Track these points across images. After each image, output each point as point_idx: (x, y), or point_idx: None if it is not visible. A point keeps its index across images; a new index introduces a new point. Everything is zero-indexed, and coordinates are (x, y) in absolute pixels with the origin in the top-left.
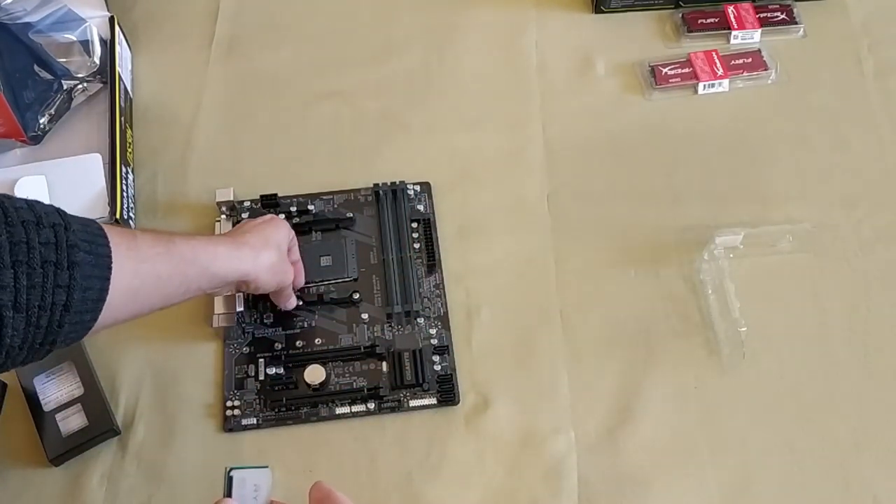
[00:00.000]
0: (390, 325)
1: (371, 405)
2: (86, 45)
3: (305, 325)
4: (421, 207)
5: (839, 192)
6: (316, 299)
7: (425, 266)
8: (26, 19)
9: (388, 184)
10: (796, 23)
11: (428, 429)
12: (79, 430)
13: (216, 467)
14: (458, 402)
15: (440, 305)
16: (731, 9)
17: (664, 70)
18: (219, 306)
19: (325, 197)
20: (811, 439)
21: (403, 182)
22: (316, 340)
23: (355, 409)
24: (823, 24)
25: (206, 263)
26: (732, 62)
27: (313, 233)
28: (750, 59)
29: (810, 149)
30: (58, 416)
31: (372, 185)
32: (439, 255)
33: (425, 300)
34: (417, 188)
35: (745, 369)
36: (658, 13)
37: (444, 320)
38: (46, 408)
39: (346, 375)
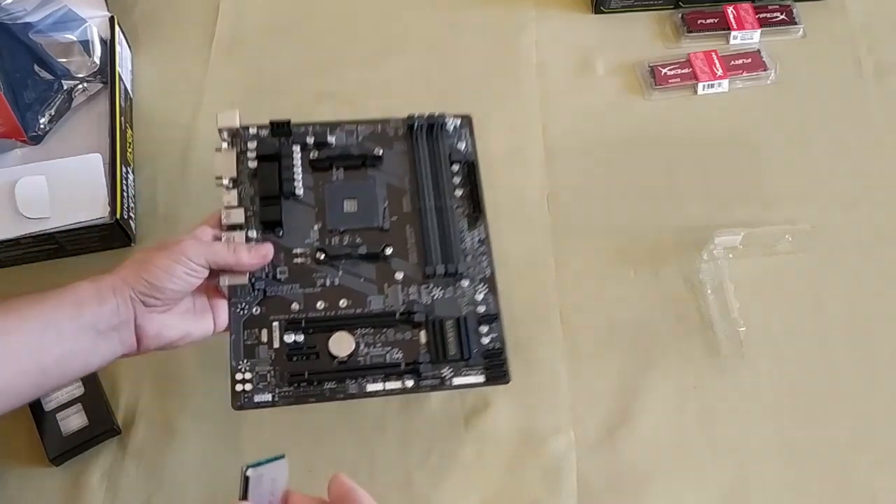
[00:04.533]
0: (428, 288)
1: (409, 382)
2: (86, 45)
3: (327, 284)
4: (462, 146)
5: (838, 193)
6: (340, 252)
7: (467, 217)
8: (26, 19)
9: (425, 115)
10: (796, 23)
11: (428, 429)
12: (79, 429)
13: (216, 467)
14: (509, 380)
15: (486, 265)
16: (730, 9)
17: (664, 70)
18: None
19: (347, 127)
20: (810, 439)
21: (443, 115)
22: (340, 302)
23: (389, 385)
24: (823, 25)
25: (59, 293)
26: (732, 62)
27: (334, 170)
28: (749, 60)
29: (809, 149)
30: (58, 416)
31: (405, 117)
32: (484, 206)
33: (468, 258)
34: (458, 122)
35: (744, 369)
36: (658, 13)
37: (491, 283)
38: (47, 407)
39: (378, 346)
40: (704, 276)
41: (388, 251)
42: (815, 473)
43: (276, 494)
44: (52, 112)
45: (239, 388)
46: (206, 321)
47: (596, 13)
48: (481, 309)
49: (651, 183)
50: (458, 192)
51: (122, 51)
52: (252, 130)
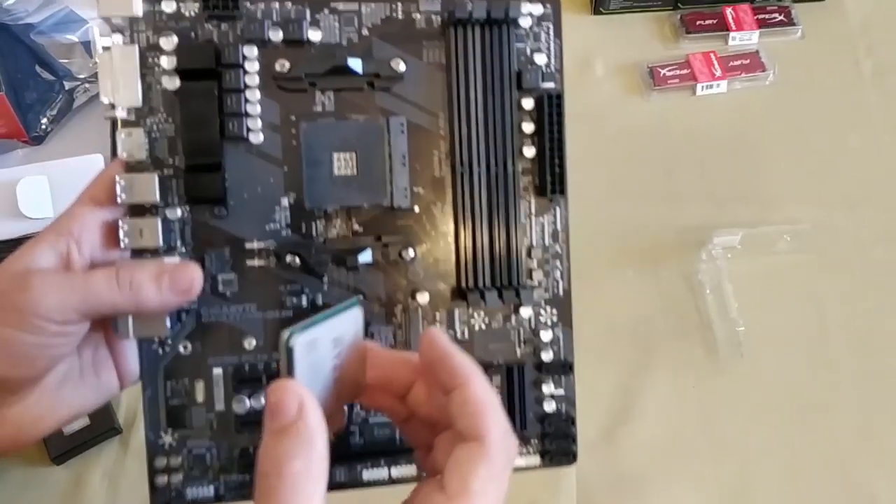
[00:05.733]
0: (466, 313)
1: None
2: (87, 45)
3: (304, 304)
4: (541, 60)
5: (837, 193)
6: (326, 253)
7: (536, 192)
8: (28, 20)
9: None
10: (794, 24)
11: None
12: (81, 428)
13: None
14: (576, 459)
15: (559, 276)
16: (729, 10)
17: (662, 71)
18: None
19: (343, 7)
20: (810, 439)
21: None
22: None
23: (397, 472)
24: (821, 26)
25: None
26: (731, 63)
27: (318, 93)
28: (748, 61)
29: (808, 150)
30: None
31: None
32: (566, 175)
33: (534, 264)
34: (538, 10)
35: (743, 369)
36: (657, 14)
37: (563, 308)
38: None
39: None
40: (703, 276)
41: (410, 253)
42: (815, 473)
43: (344, 355)
44: (54, 113)
45: (161, 479)
46: (105, 380)
47: (595, 14)
48: (547, 355)
49: (650, 183)
50: (528, 150)
51: None
52: (168, 7)
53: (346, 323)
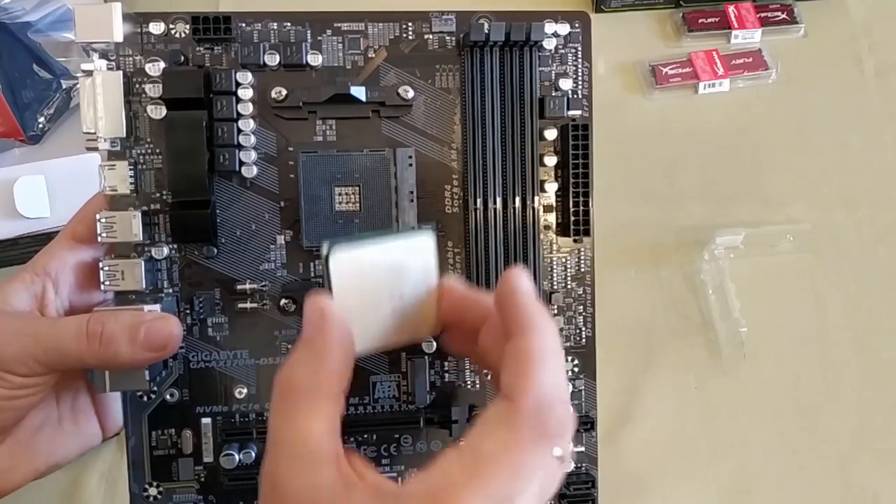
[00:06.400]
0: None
1: None
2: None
3: None
4: (567, 85)
5: (840, 193)
6: (324, 292)
7: (556, 232)
8: (25, 18)
9: (503, 25)
10: (797, 22)
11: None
12: None
13: None
14: None
15: (582, 323)
16: (731, 8)
17: (664, 70)
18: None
19: (347, 27)
20: (811, 440)
21: (539, 21)
22: None
23: None
24: (824, 24)
25: None
26: (733, 62)
27: (318, 122)
28: (750, 59)
29: (811, 149)
30: None
31: (462, 11)
32: (593, 211)
33: (554, 311)
34: (565, 29)
35: (745, 370)
36: (658, 12)
37: (585, 356)
38: None
39: (385, 465)
40: (705, 276)
41: None
42: (816, 474)
43: (408, 286)
44: (51, 111)
45: None
46: (85, 428)
47: (596, 12)
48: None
49: (651, 182)
50: (550, 186)
51: None
52: (157, 29)
53: (412, 250)
